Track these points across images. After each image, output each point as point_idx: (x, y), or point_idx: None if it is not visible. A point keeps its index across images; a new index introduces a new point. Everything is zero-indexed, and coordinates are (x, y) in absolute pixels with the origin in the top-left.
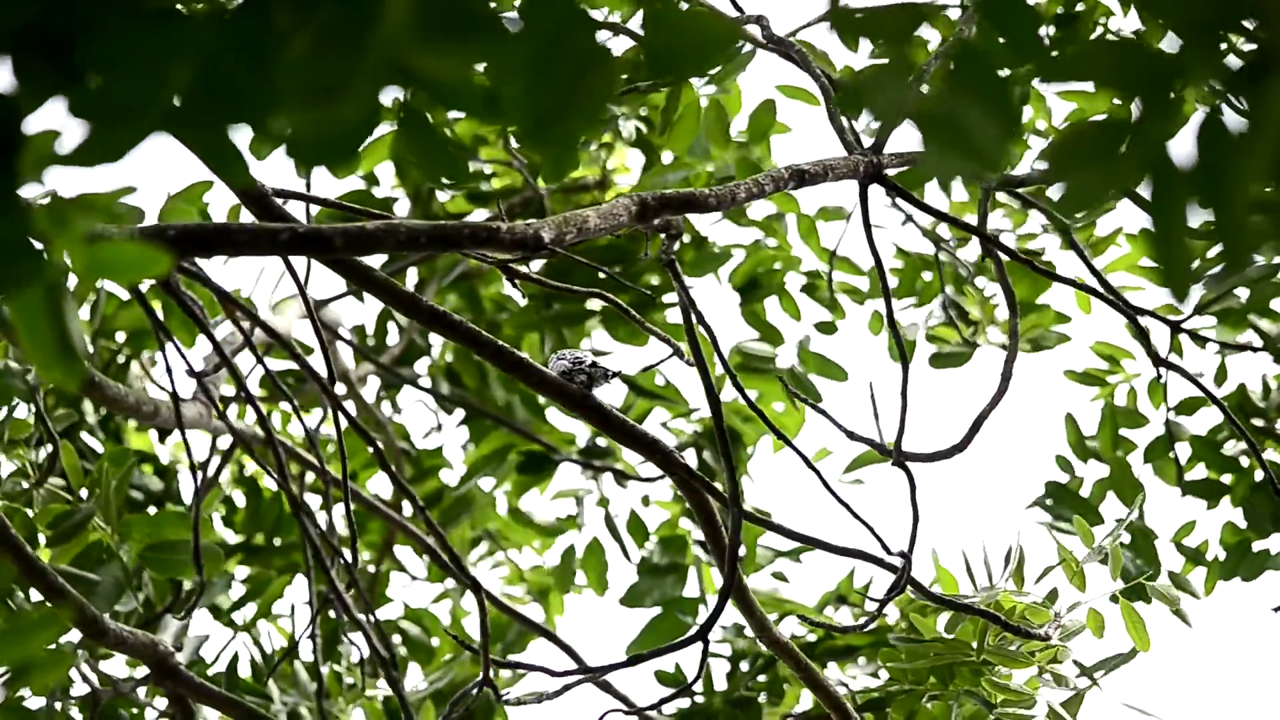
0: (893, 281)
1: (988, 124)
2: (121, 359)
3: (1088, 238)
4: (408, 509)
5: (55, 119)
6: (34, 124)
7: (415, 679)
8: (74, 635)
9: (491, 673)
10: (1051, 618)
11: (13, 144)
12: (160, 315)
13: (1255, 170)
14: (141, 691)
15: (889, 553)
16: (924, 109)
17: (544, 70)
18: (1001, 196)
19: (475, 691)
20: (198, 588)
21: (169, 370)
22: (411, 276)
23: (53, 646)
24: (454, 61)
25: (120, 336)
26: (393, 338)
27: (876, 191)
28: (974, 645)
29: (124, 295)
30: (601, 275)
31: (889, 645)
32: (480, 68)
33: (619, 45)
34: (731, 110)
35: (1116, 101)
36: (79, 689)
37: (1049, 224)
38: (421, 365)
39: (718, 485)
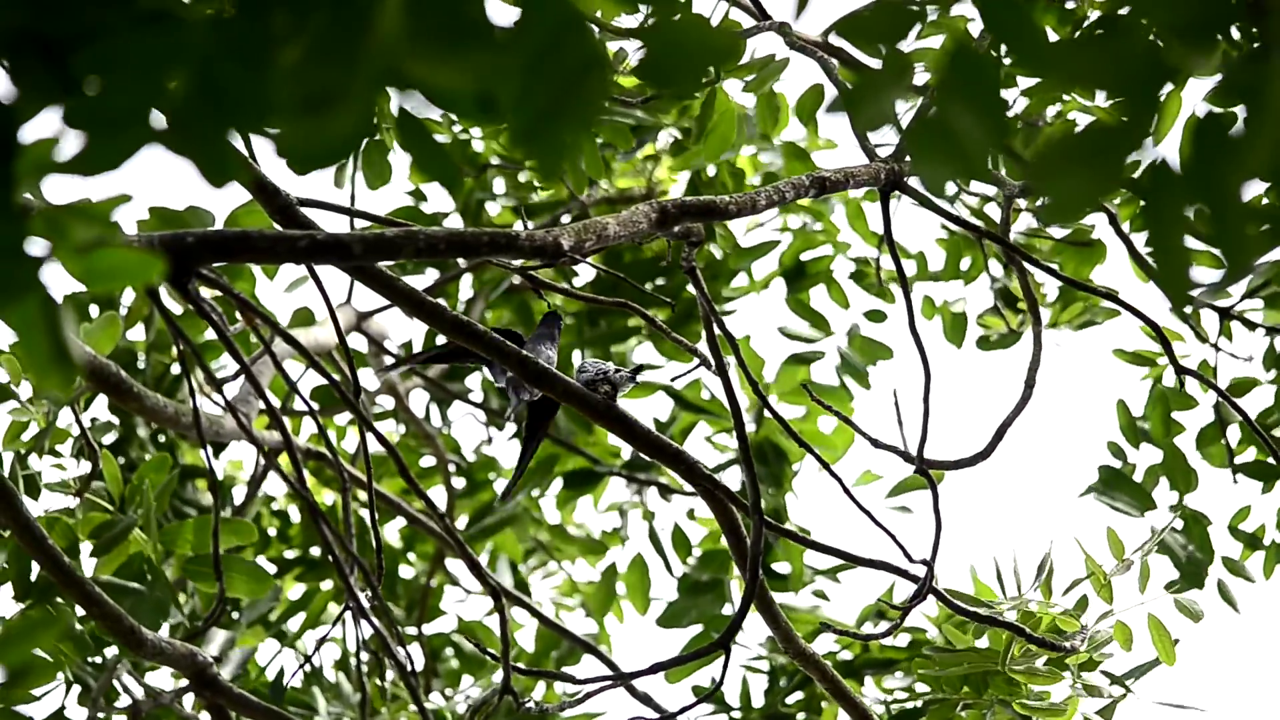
0: (939, 261)
1: (977, 127)
2: (176, 371)
3: (1133, 211)
4: (459, 523)
5: (52, 126)
6: (31, 131)
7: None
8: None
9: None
10: (1079, 628)
11: (9, 150)
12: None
13: (1251, 170)
14: (188, 703)
15: (911, 561)
16: (914, 114)
17: (538, 75)
18: None
19: (497, 699)
20: (219, 594)
21: (187, 378)
22: (465, 290)
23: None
24: (449, 68)
25: (174, 350)
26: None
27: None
28: (1002, 659)
29: (178, 310)
30: (647, 288)
31: (924, 656)
32: (475, 74)
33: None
34: (783, 104)
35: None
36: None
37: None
38: (473, 380)
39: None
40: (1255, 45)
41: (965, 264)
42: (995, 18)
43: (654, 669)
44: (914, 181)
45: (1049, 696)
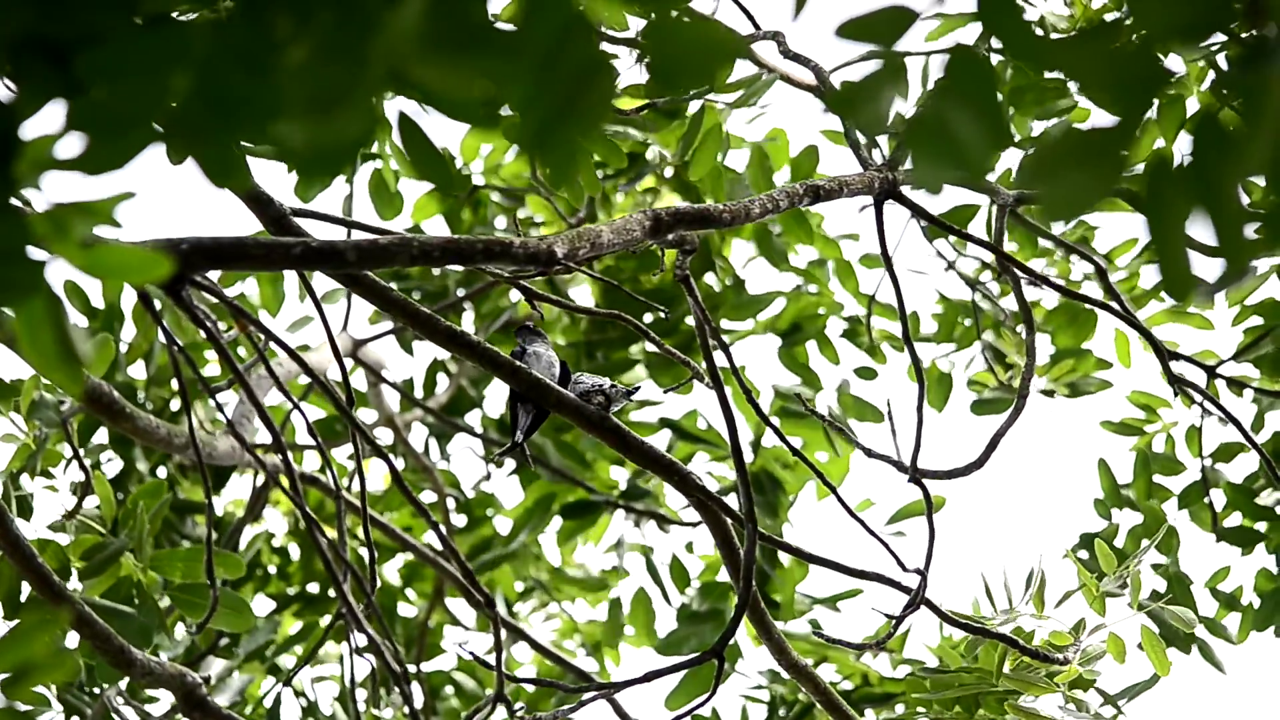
0: (932, 326)
1: (977, 129)
2: (175, 406)
3: (1131, 288)
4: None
5: (52, 123)
6: (31, 129)
7: None
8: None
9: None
10: (1071, 641)
11: (10, 149)
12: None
13: (1249, 167)
14: None
15: (905, 570)
16: (913, 116)
17: (544, 79)
18: (1044, 243)
19: (490, 708)
20: (211, 606)
21: (182, 388)
22: (466, 326)
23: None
24: (455, 73)
25: (175, 385)
26: (440, 388)
27: (916, 231)
28: (995, 672)
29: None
30: (661, 315)
31: (922, 670)
32: (481, 78)
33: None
34: (776, 158)
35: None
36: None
37: (1091, 273)
38: (472, 417)
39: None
40: (1253, 46)
41: (958, 331)
42: (991, 13)
43: (647, 678)
44: (909, 191)
45: (1036, 713)
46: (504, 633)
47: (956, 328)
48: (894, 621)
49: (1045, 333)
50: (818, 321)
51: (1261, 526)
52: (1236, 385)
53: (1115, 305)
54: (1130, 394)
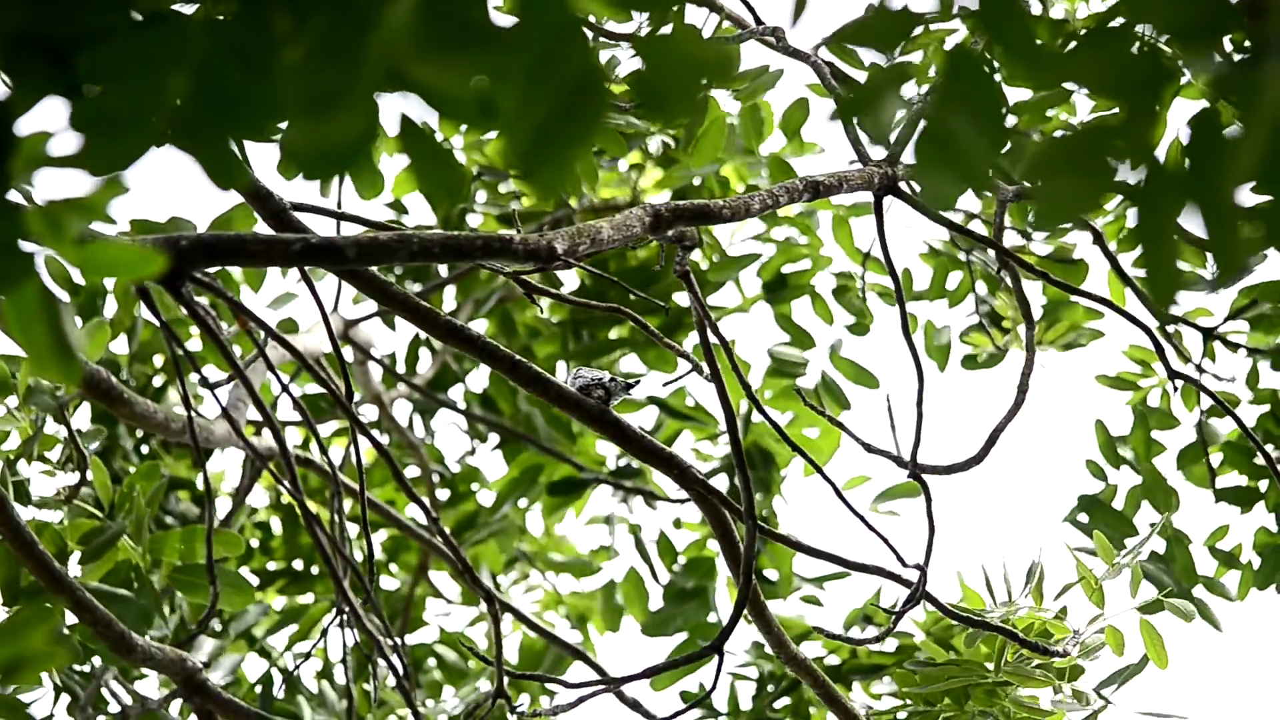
0: (924, 281)
1: (978, 135)
2: (159, 383)
3: (1118, 230)
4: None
5: (47, 120)
6: (26, 125)
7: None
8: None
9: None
10: (1070, 634)
11: (5, 146)
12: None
13: (1245, 170)
14: (175, 709)
15: (905, 565)
16: (916, 121)
17: (540, 81)
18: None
19: (490, 703)
20: (212, 599)
21: (181, 383)
22: (449, 302)
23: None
24: (451, 72)
25: (158, 361)
26: (424, 364)
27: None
28: (990, 664)
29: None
30: (632, 298)
31: (908, 670)
32: (476, 78)
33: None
34: (768, 115)
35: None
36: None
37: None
38: (455, 392)
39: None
40: (1251, 47)
41: (951, 284)
42: (993, 18)
43: (646, 673)
44: (908, 186)
45: (1035, 701)
46: (500, 617)
47: (952, 271)
48: (894, 617)
49: (1035, 281)
50: (805, 277)
51: (1260, 485)
52: (1231, 345)
53: (1113, 300)
54: (1126, 349)
